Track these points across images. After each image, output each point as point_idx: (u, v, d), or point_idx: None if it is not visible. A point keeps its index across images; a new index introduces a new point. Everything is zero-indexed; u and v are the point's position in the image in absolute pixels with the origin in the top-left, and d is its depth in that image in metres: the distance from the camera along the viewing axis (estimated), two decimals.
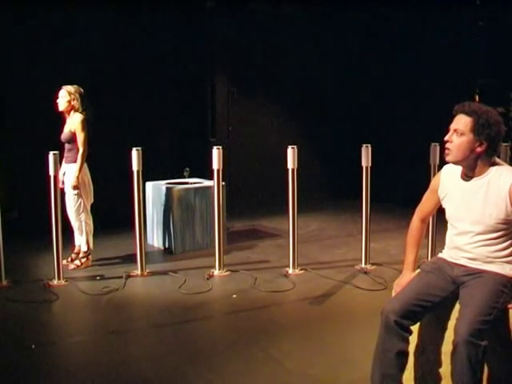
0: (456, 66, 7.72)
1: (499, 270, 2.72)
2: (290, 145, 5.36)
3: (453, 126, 2.73)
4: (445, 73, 7.88)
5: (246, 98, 8.79)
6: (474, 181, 2.75)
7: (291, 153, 5.32)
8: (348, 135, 9.04)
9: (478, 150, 2.68)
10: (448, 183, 2.87)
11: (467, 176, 2.78)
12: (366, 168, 5.47)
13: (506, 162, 5.71)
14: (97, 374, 3.48)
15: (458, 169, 2.82)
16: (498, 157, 2.80)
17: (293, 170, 5.34)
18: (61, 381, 3.43)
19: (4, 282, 5.11)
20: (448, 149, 2.73)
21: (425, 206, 3.04)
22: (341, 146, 9.15)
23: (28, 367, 3.56)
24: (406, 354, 2.73)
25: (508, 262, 2.74)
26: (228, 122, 8.68)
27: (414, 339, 2.86)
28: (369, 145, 5.49)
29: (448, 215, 2.91)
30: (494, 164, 2.74)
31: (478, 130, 2.66)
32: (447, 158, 2.76)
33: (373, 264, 5.58)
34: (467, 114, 2.69)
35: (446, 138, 2.74)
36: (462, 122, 2.69)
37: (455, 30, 7.72)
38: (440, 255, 2.97)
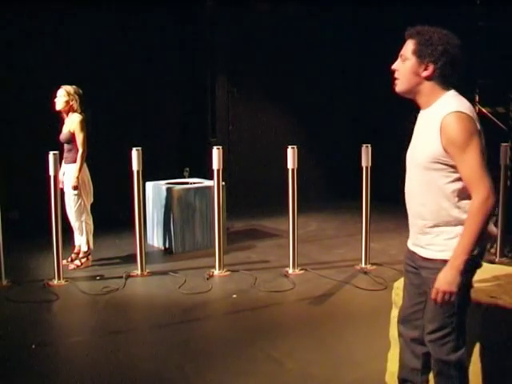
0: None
1: (446, 254, 2.28)
2: (290, 145, 5.37)
3: (400, 54, 2.41)
4: None
5: (246, 98, 8.79)
6: (421, 113, 2.41)
7: (291, 153, 5.33)
8: (348, 135, 9.04)
9: (424, 74, 2.34)
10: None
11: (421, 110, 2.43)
12: (366, 168, 5.47)
13: (505, 162, 5.73)
14: (97, 374, 3.47)
15: None
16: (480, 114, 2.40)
17: (293, 170, 5.34)
18: (61, 381, 3.43)
19: (4, 282, 5.11)
20: (396, 79, 2.41)
21: None
22: (341, 146, 9.16)
23: (28, 367, 3.56)
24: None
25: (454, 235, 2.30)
26: (228, 121, 8.68)
27: None
28: (369, 145, 5.49)
29: None
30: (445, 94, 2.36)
31: (420, 50, 2.33)
32: (396, 89, 2.43)
33: (373, 264, 5.58)
34: (411, 36, 2.37)
35: (392, 67, 2.41)
36: (406, 47, 2.38)
37: (455, 30, 7.70)
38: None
